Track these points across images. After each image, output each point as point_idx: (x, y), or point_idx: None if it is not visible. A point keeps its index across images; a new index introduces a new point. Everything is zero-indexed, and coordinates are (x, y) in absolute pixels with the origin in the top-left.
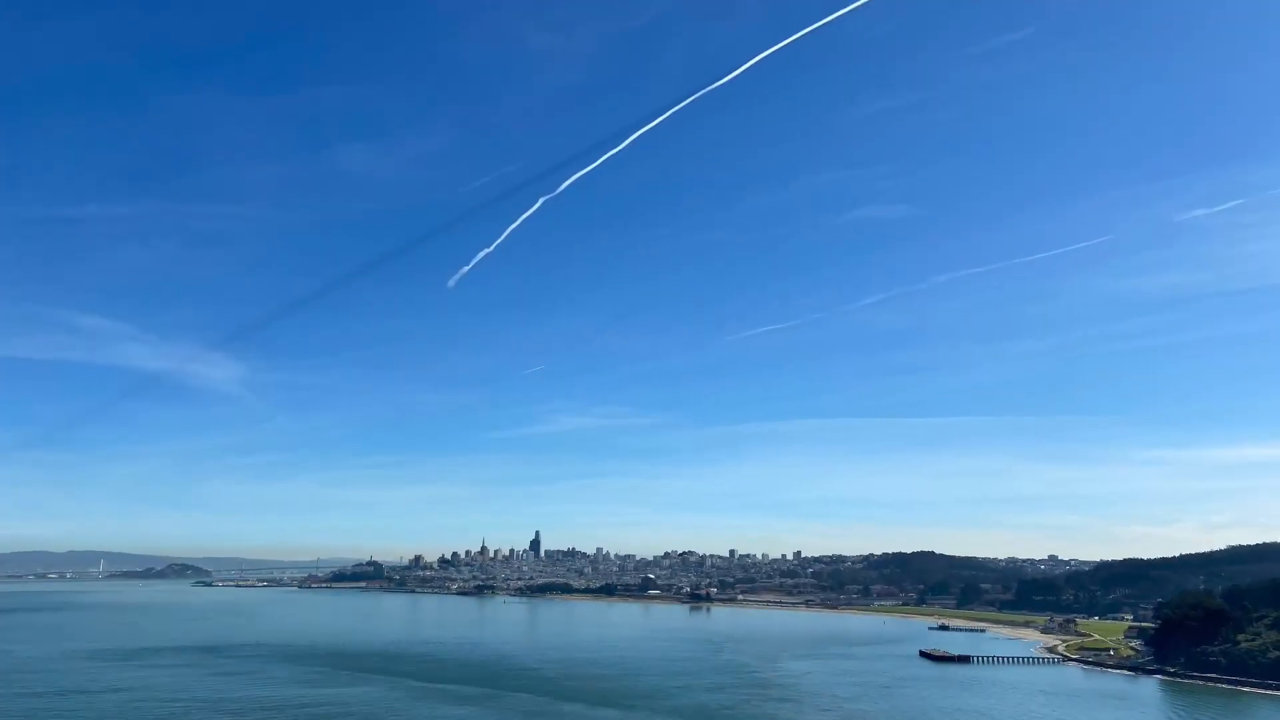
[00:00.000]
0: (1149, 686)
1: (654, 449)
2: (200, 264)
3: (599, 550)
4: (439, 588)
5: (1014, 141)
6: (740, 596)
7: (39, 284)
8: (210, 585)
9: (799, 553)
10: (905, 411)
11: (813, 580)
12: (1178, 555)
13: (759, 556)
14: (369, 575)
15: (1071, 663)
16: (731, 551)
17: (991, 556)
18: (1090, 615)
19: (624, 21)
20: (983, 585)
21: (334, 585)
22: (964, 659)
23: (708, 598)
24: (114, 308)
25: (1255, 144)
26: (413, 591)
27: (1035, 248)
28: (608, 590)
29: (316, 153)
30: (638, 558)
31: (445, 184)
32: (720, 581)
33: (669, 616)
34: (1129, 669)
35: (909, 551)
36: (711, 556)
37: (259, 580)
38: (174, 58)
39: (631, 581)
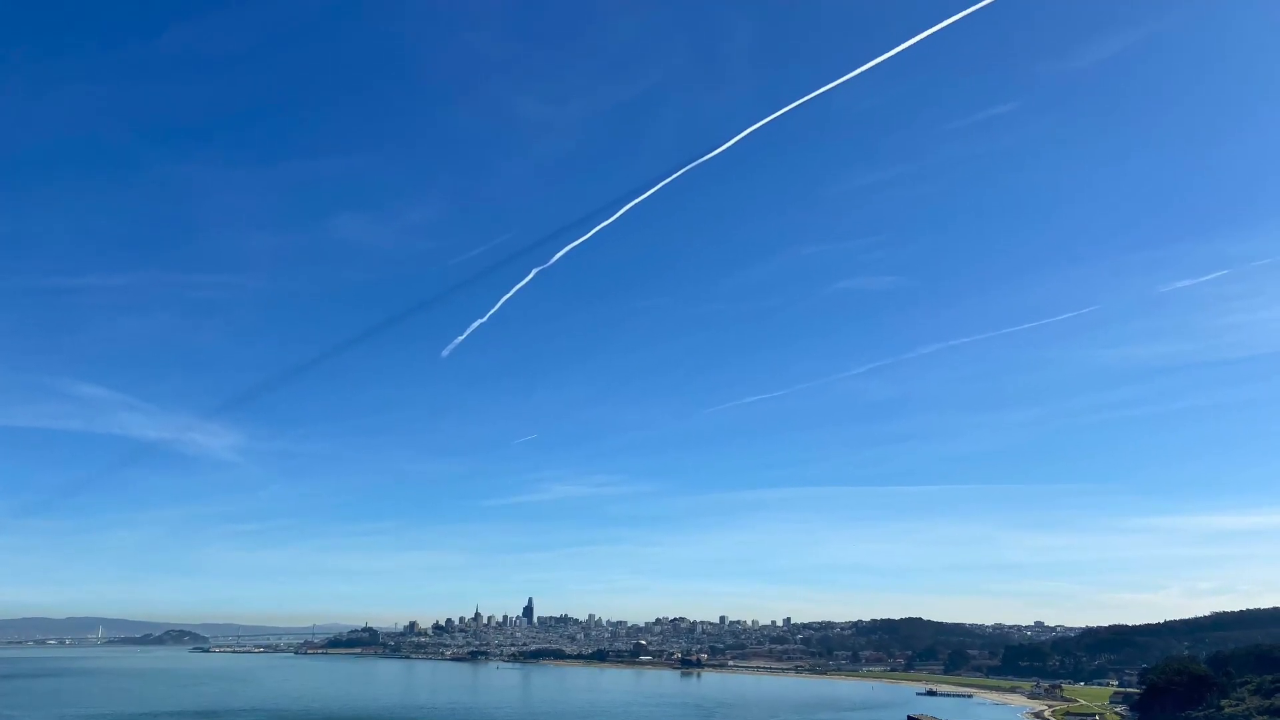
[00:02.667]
0: None
1: (646, 516)
2: (197, 333)
3: (591, 616)
4: (433, 654)
5: (1000, 213)
6: (731, 662)
7: (38, 354)
8: (207, 651)
9: (789, 619)
10: (894, 480)
11: (802, 646)
12: (1163, 622)
13: (749, 623)
14: (364, 641)
15: None
16: (722, 618)
17: (978, 623)
18: (1076, 681)
19: (615, 93)
20: (970, 651)
21: (330, 651)
22: None
23: (698, 663)
24: (112, 377)
25: (1238, 216)
26: (407, 657)
27: (1022, 318)
28: (600, 656)
29: (313, 222)
30: (629, 624)
31: (440, 253)
32: (711, 647)
33: (660, 682)
34: None
35: (897, 618)
36: (702, 623)
37: (255, 646)
38: (172, 129)
39: (623, 647)
